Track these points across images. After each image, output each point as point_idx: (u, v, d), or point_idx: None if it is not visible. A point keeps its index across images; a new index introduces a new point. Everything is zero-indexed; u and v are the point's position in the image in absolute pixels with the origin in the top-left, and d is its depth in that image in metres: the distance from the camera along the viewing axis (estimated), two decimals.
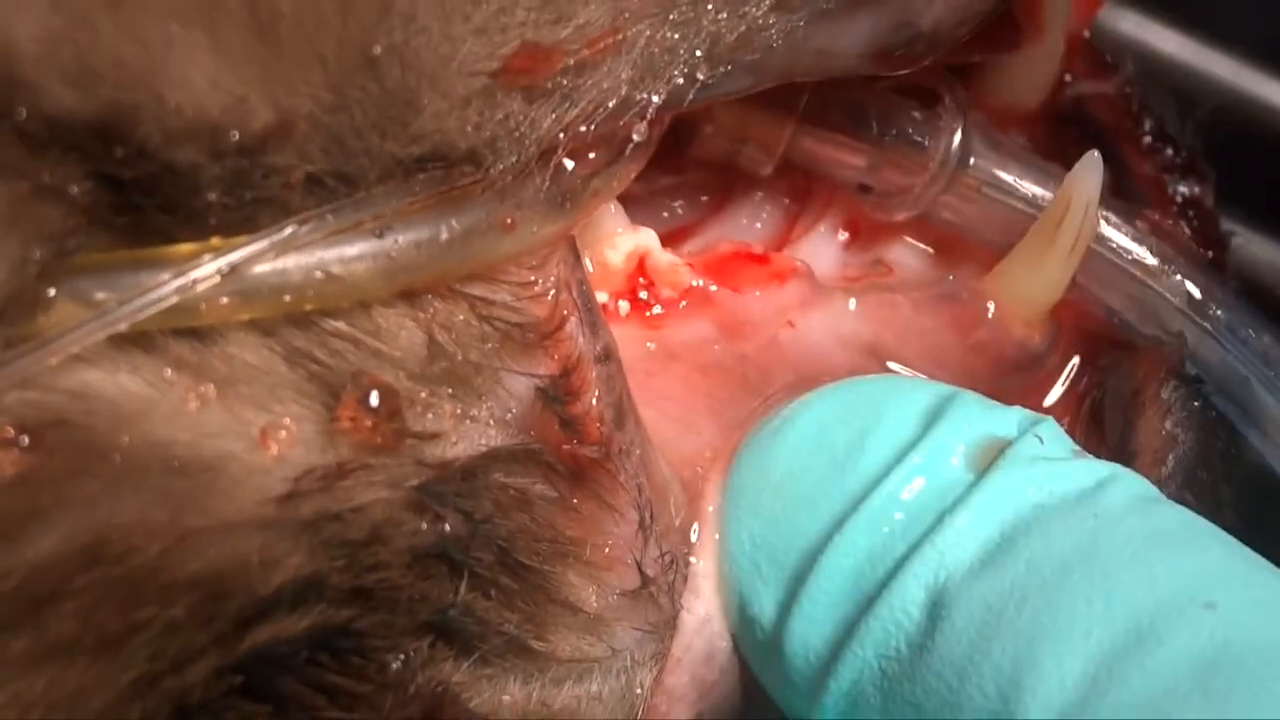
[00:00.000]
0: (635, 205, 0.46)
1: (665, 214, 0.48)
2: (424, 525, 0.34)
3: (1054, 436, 0.37)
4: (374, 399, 0.33)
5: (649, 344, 0.42)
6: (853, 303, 0.44)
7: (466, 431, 0.35)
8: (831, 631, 0.36)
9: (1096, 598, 0.32)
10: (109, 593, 0.30)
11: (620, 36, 0.34)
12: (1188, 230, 0.47)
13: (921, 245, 0.47)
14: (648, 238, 0.43)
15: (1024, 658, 0.32)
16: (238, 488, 0.32)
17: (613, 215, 0.43)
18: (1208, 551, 0.34)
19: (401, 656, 0.34)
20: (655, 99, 0.36)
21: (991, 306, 0.44)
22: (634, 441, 0.38)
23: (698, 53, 0.36)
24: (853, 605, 0.36)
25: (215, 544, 0.31)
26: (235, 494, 0.31)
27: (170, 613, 0.31)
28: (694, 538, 0.39)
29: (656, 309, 0.43)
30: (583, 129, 0.35)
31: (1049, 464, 0.36)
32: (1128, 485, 0.36)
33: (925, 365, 0.44)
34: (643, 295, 0.43)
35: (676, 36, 0.35)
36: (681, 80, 0.36)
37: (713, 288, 0.43)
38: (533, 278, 0.36)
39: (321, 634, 0.33)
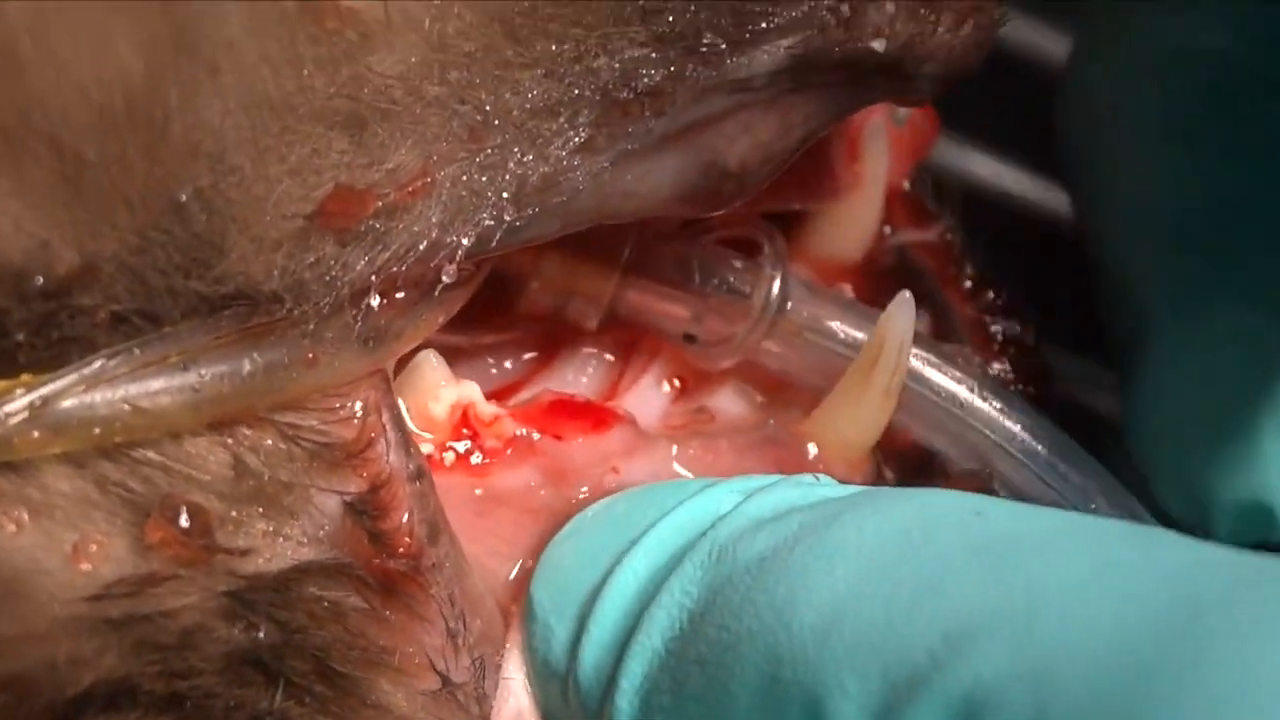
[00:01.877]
0: (461, 361, 0.47)
1: (493, 370, 0.48)
2: (237, 632, 0.34)
3: (829, 480, 0.39)
4: (184, 518, 0.33)
5: (476, 490, 0.43)
6: (675, 449, 0.45)
7: (279, 548, 0.35)
8: (619, 643, 0.36)
9: (867, 524, 0.33)
10: None
11: (430, 179, 0.35)
12: (1010, 367, 0.49)
13: (744, 392, 0.48)
14: (470, 390, 0.44)
15: (797, 579, 0.32)
16: (48, 598, 0.32)
17: (435, 369, 0.43)
18: (975, 494, 0.35)
19: None
20: (465, 241, 0.37)
21: (813, 448, 0.45)
22: (447, 555, 0.38)
23: (504, 194, 0.36)
24: (636, 615, 0.36)
25: (23, 649, 0.32)
26: (45, 604, 0.32)
27: None
28: (507, 644, 0.40)
29: (481, 458, 0.43)
30: (394, 269, 0.36)
31: (818, 483, 0.38)
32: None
33: None
34: (466, 445, 0.43)
35: (484, 179, 0.36)
36: (490, 222, 0.37)
37: (536, 436, 0.43)
38: (338, 404, 0.37)
39: None
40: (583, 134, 0.37)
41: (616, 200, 0.39)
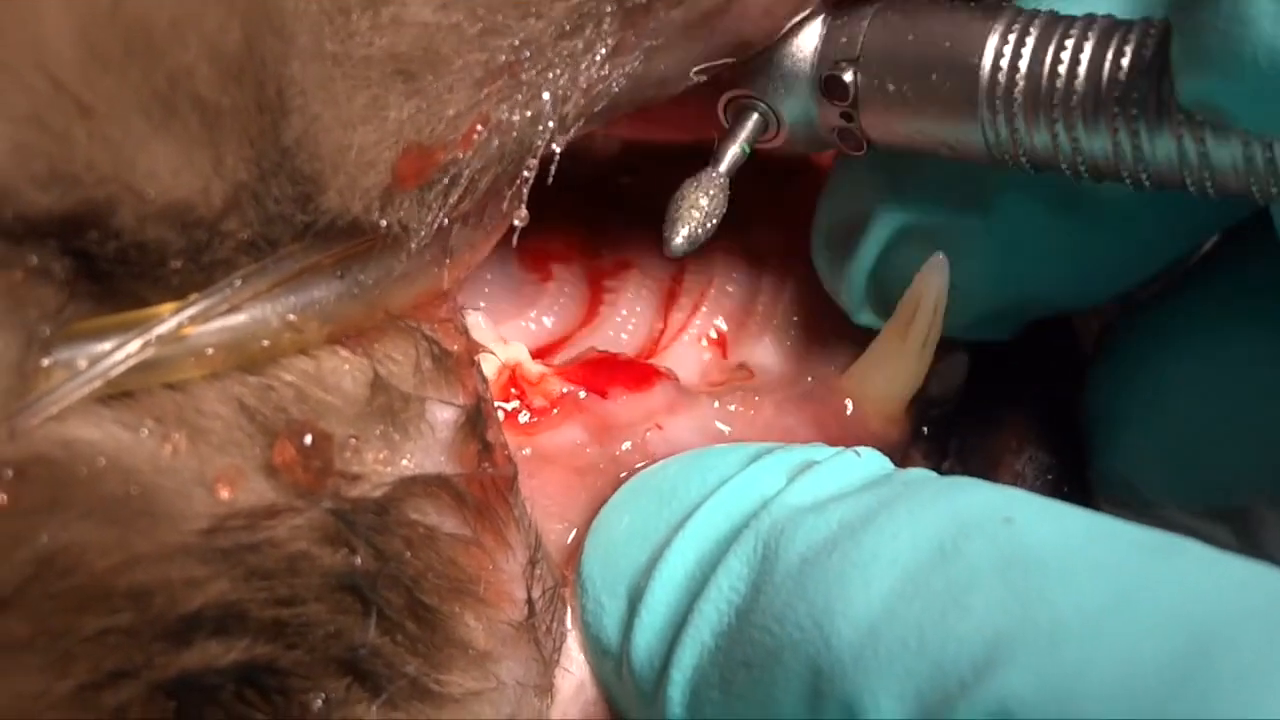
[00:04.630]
0: (506, 321, 0.48)
1: (534, 329, 0.49)
2: (338, 558, 0.36)
3: (873, 454, 0.40)
4: (308, 439, 0.35)
5: (525, 450, 0.44)
6: (716, 404, 0.46)
7: (387, 472, 0.37)
8: (670, 631, 0.38)
9: (902, 531, 0.34)
10: (59, 600, 0.33)
11: (485, 124, 0.37)
12: None
13: (782, 348, 0.49)
14: (517, 351, 0.45)
15: (834, 590, 0.34)
16: (181, 520, 0.34)
17: (483, 330, 0.44)
18: (1007, 490, 0.36)
19: (322, 696, 0.36)
20: (525, 174, 0.39)
21: (849, 404, 0.46)
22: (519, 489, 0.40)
23: (550, 123, 0.38)
24: (687, 602, 0.37)
25: (151, 565, 0.34)
26: (178, 525, 0.34)
27: (109, 621, 0.33)
28: (568, 612, 0.41)
29: (529, 417, 0.44)
30: (464, 203, 0.38)
31: (862, 464, 0.39)
32: (933, 473, 0.38)
33: None
34: (514, 405, 0.44)
35: (529, 113, 0.38)
36: (540, 144, 0.39)
37: (582, 394, 0.45)
38: (448, 317, 0.39)
39: (248, 670, 0.35)
40: (610, 42, 0.38)
41: (651, 89, 0.41)
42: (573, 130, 0.39)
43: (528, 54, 0.37)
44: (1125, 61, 0.39)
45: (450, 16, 0.36)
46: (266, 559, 0.35)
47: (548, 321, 0.50)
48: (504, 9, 0.36)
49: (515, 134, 0.38)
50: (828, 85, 0.43)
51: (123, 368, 0.34)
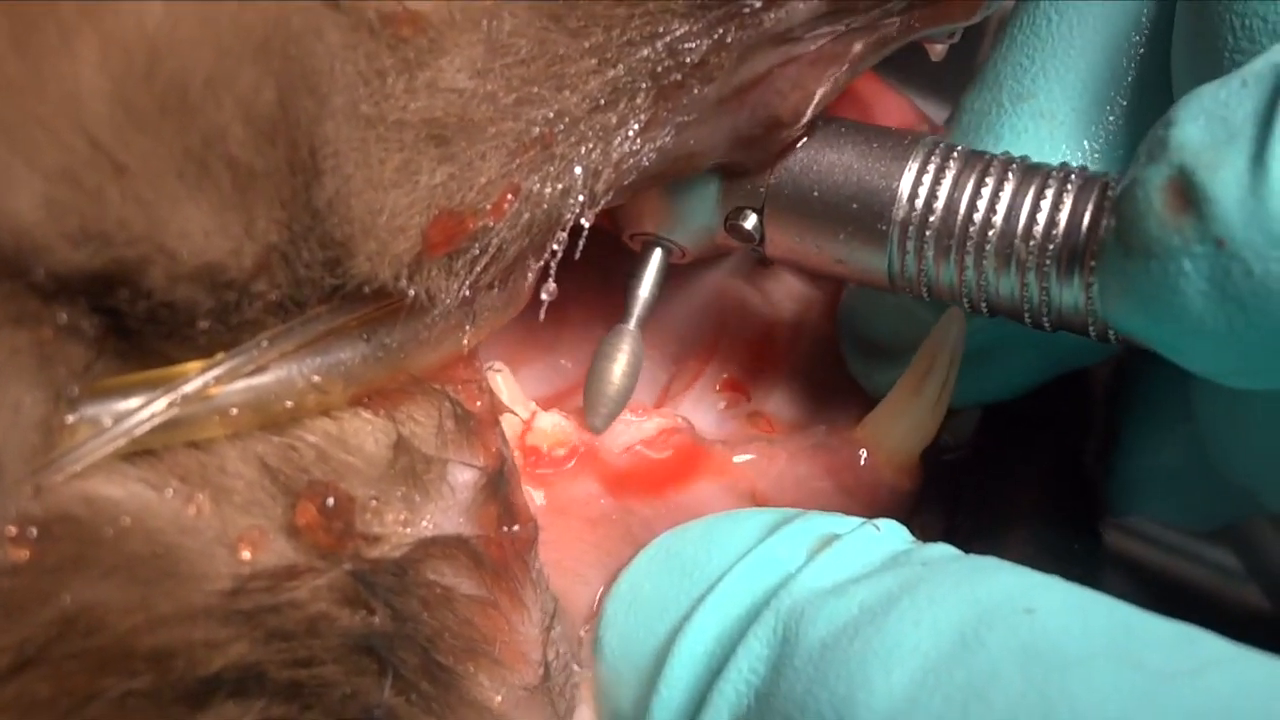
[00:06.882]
0: (524, 365, 0.49)
1: (552, 374, 0.50)
2: (356, 619, 0.36)
3: (893, 528, 0.40)
4: (330, 500, 0.36)
5: (540, 501, 0.44)
6: (733, 455, 0.46)
7: (406, 533, 0.37)
8: (689, 708, 0.38)
9: (923, 618, 0.34)
10: (81, 660, 0.33)
11: (516, 193, 0.37)
12: None
13: (796, 398, 0.49)
14: (531, 406, 0.45)
15: (856, 677, 0.34)
16: (204, 581, 0.34)
17: (505, 388, 0.45)
18: (1028, 574, 0.36)
19: None
20: (552, 245, 0.39)
21: (863, 454, 0.47)
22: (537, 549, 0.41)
23: (580, 196, 0.39)
24: (707, 680, 0.38)
25: (174, 626, 0.34)
26: (200, 586, 0.34)
27: (130, 684, 0.33)
28: (582, 670, 0.41)
29: (546, 469, 0.44)
30: (491, 271, 0.38)
31: (882, 540, 0.39)
32: (954, 550, 0.38)
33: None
34: (532, 457, 0.44)
35: (561, 186, 0.38)
36: (569, 216, 0.39)
37: (597, 444, 0.45)
38: (471, 378, 0.40)
39: None
40: (642, 117, 0.39)
41: (681, 162, 0.41)
42: (601, 203, 0.39)
43: (561, 126, 0.37)
44: (1044, 209, 0.39)
45: (486, 85, 0.36)
46: (287, 620, 0.35)
47: (565, 364, 0.50)
48: (539, 80, 0.37)
49: (545, 206, 0.38)
50: (731, 230, 0.44)
51: (148, 426, 0.34)
